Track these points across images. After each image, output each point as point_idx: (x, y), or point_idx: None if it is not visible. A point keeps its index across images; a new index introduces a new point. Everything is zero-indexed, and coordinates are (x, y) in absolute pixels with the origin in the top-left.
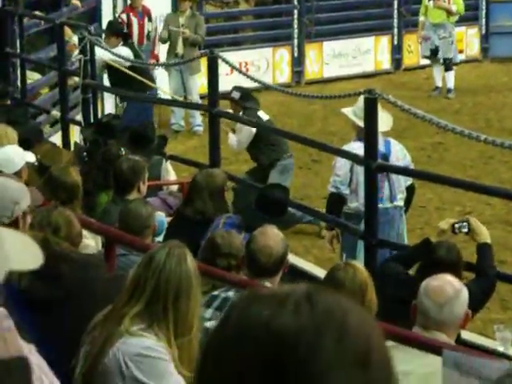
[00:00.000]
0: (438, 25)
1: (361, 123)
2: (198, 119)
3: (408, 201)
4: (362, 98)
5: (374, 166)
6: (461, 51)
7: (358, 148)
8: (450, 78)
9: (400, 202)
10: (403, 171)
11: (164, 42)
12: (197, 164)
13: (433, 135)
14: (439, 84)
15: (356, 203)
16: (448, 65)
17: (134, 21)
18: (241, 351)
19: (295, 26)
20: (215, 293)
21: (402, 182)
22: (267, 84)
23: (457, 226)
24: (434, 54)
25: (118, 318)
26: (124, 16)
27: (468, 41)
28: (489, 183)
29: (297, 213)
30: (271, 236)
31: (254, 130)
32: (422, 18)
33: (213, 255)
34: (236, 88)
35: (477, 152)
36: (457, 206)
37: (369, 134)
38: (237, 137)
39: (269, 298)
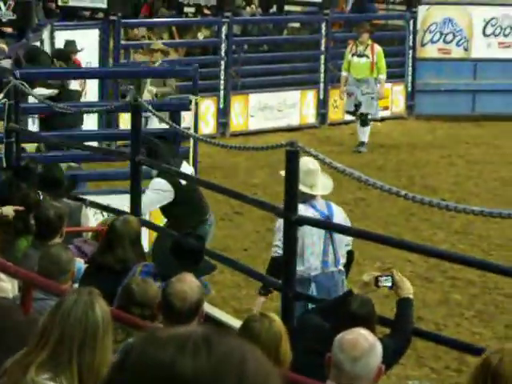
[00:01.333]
0: (361, 80)
1: (301, 187)
2: None
3: (348, 266)
4: (304, 161)
5: (294, 218)
6: (386, 108)
7: (303, 210)
8: (365, 133)
9: (341, 267)
10: (323, 224)
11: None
12: (118, 212)
13: (355, 191)
14: (363, 139)
15: (302, 267)
16: (365, 120)
17: None
18: None
19: (221, 77)
20: (130, 340)
21: (344, 247)
22: (194, 135)
23: (380, 279)
24: (357, 109)
25: (24, 366)
26: None
27: (394, 97)
28: (410, 240)
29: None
30: (187, 282)
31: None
32: (344, 74)
33: (127, 303)
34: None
35: (398, 209)
36: (377, 261)
37: (289, 186)
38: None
39: (168, 340)
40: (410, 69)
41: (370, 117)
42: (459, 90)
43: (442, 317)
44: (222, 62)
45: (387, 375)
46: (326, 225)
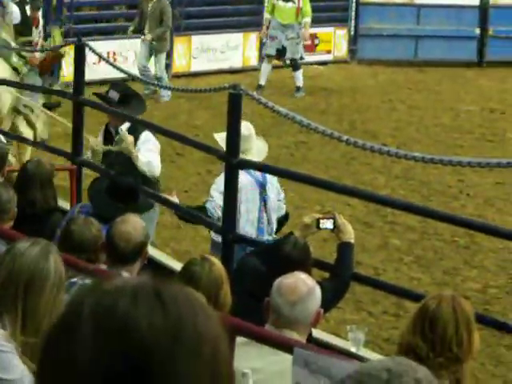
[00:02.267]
0: (287, 25)
1: None
2: None
3: (280, 226)
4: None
5: (235, 161)
6: (328, 52)
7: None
8: (299, 77)
9: (274, 234)
10: (264, 168)
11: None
12: (60, 152)
13: (296, 134)
14: (263, 83)
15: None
16: (295, 65)
17: None
18: (95, 348)
19: None
20: (73, 280)
21: (276, 214)
22: (134, 75)
23: (322, 221)
24: (279, 54)
25: None
26: None
27: (336, 42)
28: (350, 184)
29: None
30: (131, 223)
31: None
32: (268, 16)
33: (65, 246)
34: (114, 86)
35: (339, 153)
36: (317, 205)
37: (231, 130)
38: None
39: (119, 293)
40: (353, 13)
41: (298, 61)
42: (402, 35)
43: (380, 261)
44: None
45: (326, 319)
46: (268, 169)
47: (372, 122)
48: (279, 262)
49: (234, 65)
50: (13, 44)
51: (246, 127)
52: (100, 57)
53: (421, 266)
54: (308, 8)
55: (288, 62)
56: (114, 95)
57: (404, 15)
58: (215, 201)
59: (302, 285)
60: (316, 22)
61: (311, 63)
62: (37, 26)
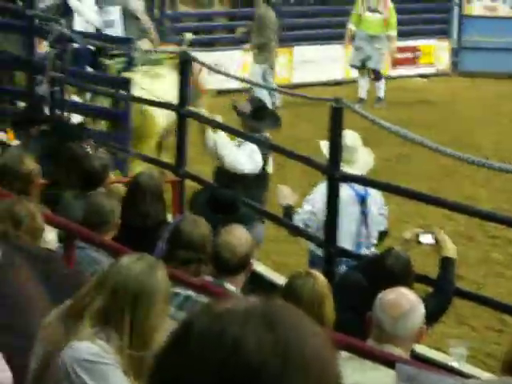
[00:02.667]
0: (374, 36)
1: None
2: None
3: (379, 241)
4: (345, 134)
5: (337, 175)
6: (431, 64)
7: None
8: (381, 87)
9: (373, 249)
10: (365, 182)
11: None
12: (163, 164)
13: (396, 147)
14: (364, 96)
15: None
16: (377, 75)
17: None
18: (203, 370)
19: None
20: (176, 290)
21: (375, 229)
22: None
23: (422, 236)
24: (363, 65)
25: (76, 315)
26: None
27: (439, 54)
28: (452, 197)
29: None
30: (236, 234)
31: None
32: (353, 28)
33: (173, 245)
34: (251, 100)
35: (440, 165)
36: (418, 218)
37: (333, 143)
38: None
39: (229, 316)
40: (456, 25)
41: (381, 71)
42: (504, 48)
43: (482, 276)
44: None
45: (428, 334)
46: (369, 182)
47: (474, 135)
48: (381, 276)
49: (335, 77)
50: None
51: (350, 137)
52: (208, 67)
53: None
54: (394, 20)
55: (368, 69)
56: (247, 108)
57: (507, 28)
58: (301, 214)
59: (405, 300)
60: (418, 34)
61: (413, 76)
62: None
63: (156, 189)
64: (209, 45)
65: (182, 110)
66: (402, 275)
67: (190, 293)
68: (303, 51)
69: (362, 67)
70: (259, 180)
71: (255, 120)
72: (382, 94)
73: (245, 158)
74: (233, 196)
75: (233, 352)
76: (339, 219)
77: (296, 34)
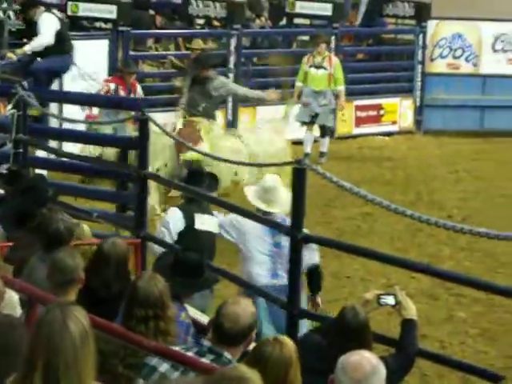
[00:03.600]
0: (319, 92)
1: (258, 204)
2: None
3: (317, 282)
4: (266, 178)
5: (300, 236)
6: (394, 122)
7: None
8: (325, 143)
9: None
10: (328, 243)
11: None
12: (124, 226)
13: (362, 205)
14: (309, 151)
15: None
16: (324, 131)
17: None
18: None
19: None
20: (148, 361)
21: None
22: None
23: (383, 297)
24: (312, 121)
25: None
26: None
27: (402, 112)
28: (415, 256)
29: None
30: (241, 305)
31: None
32: (299, 84)
33: (131, 303)
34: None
35: (405, 224)
36: (382, 277)
37: (296, 204)
38: None
39: None
40: (419, 83)
41: (329, 128)
42: (468, 105)
43: (446, 334)
44: (231, 75)
45: None
46: (332, 244)
47: (438, 193)
48: (338, 333)
49: (297, 136)
50: None
51: (270, 179)
52: (161, 129)
53: (487, 338)
54: (340, 75)
55: (318, 127)
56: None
57: (469, 85)
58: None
59: (367, 363)
60: (381, 92)
61: (377, 134)
62: (135, 93)
63: (120, 256)
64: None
65: (142, 171)
66: (359, 332)
67: (159, 365)
68: (266, 110)
69: (310, 123)
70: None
71: (191, 184)
72: (325, 149)
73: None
74: (198, 259)
75: None
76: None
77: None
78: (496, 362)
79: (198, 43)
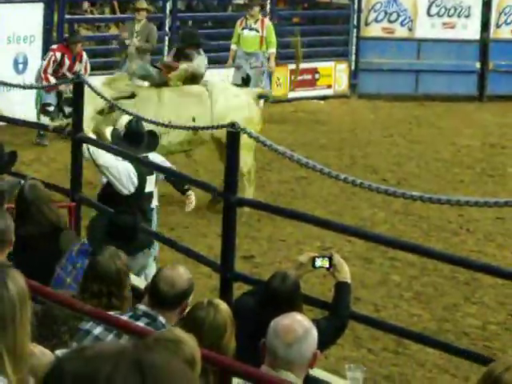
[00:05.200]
0: (250, 54)
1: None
2: None
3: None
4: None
5: (234, 199)
6: (329, 86)
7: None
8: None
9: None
10: (263, 207)
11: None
12: (59, 189)
13: (297, 169)
14: None
15: None
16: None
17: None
18: None
19: (165, 53)
20: (83, 327)
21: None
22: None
23: (318, 260)
24: (245, 82)
25: None
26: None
27: (337, 76)
28: (350, 220)
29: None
30: (178, 270)
31: None
32: (233, 47)
33: (87, 278)
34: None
35: (339, 187)
36: (317, 241)
37: (229, 167)
38: None
39: (98, 361)
40: (354, 48)
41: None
42: (403, 69)
43: (380, 298)
44: (166, 38)
45: (325, 356)
46: (267, 207)
47: (372, 157)
48: (268, 298)
49: None
50: None
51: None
52: (96, 93)
53: (421, 302)
54: (273, 38)
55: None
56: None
57: (404, 50)
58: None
59: (298, 326)
60: (316, 56)
61: (312, 98)
62: (80, 61)
63: (41, 197)
64: (106, 68)
65: (77, 135)
66: (289, 297)
67: (93, 329)
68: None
69: (242, 85)
70: (132, 200)
71: (130, 144)
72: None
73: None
74: (133, 221)
75: None
76: None
77: None
78: (429, 325)
79: (142, 4)
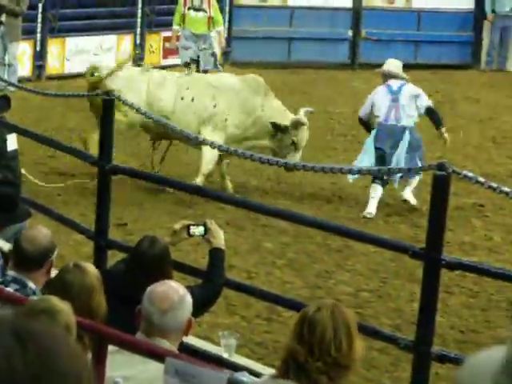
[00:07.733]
0: (199, 36)
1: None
2: None
3: (435, 119)
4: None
5: (108, 167)
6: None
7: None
8: None
9: (405, 123)
10: (136, 174)
11: None
12: None
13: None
14: None
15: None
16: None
17: None
18: None
19: (39, 21)
20: None
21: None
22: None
23: (192, 227)
24: (196, 65)
25: None
26: None
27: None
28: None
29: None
30: (39, 230)
31: None
32: (176, 27)
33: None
34: None
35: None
36: (189, 208)
37: (104, 135)
38: None
39: None
40: (227, 15)
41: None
42: (275, 37)
43: (253, 265)
44: (40, 5)
45: (198, 323)
46: (139, 175)
47: None
48: (136, 261)
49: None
50: None
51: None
52: None
53: (293, 269)
54: (219, 17)
55: (202, 71)
56: None
57: (277, 18)
58: None
59: (173, 293)
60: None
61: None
62: None
63: None
64: None
65: None
66: (157, 261)
67: None
68: (76, 41)
69: (193, 64)
70: None
71: None
72: None
73: None
74: (12, 193)
75: None
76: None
77: (68, 24)
78: (302, 292)
79: None
